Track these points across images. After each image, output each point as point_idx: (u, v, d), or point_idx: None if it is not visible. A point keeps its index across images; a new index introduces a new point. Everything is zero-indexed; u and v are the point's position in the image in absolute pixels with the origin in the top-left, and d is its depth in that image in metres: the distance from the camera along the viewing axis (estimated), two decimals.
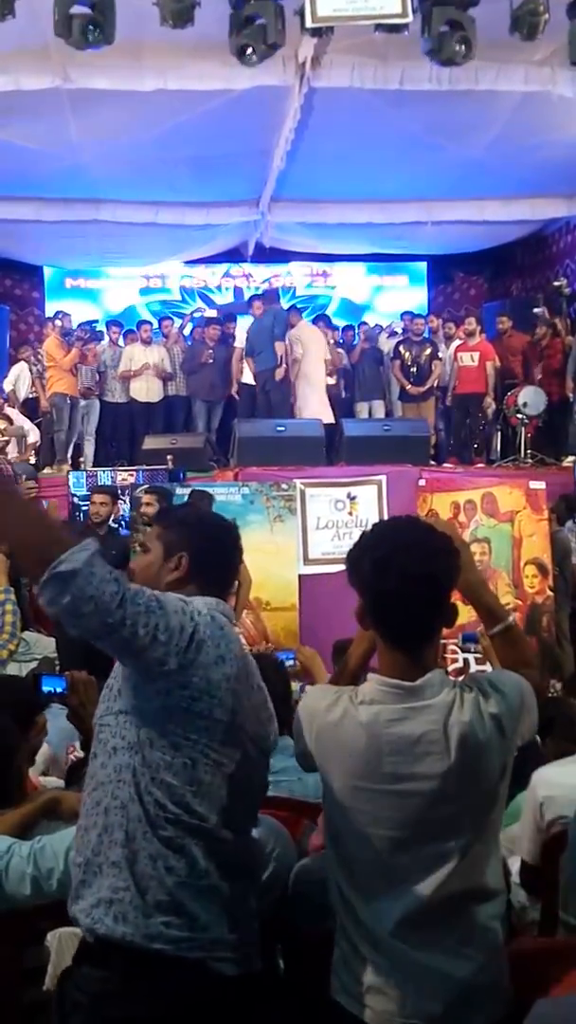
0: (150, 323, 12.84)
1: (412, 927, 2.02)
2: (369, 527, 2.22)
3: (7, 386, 11.83)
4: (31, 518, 2.04)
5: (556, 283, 12.36)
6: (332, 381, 12.25)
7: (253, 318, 11.71)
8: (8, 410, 10.43)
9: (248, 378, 11.77)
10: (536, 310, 12.47)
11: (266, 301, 12.10)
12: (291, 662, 4.64)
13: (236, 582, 2.55)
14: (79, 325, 12.48)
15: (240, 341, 12.08)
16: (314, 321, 12.71)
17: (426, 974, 2.01)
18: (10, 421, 9.48)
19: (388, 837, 2.04)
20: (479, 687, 2.09)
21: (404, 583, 2.03)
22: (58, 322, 11.84)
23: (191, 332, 13.13)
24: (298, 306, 13.15)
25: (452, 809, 2.03)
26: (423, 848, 2.03)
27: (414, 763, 2.02)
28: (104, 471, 9.52)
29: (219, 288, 15.34)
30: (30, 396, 11.67)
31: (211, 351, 12.05)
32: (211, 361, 11.99)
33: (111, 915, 1.97)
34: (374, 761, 2.03)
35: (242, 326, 12.17)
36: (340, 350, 12.58)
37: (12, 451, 9.68)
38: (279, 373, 11.24)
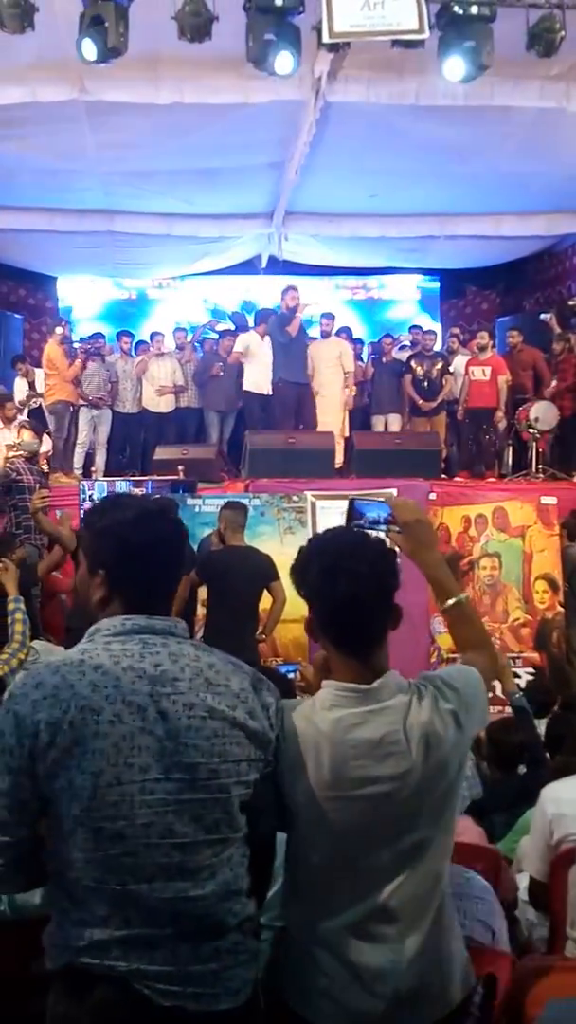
0: (162, 335, 12.87)
1: (368, 928, 2.05)
2: (306, 541, 2.27)
3: (17, 398, 11.90)
4: None
5: (572, 302, 12.40)
6: (352, 393, 12.25)
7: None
8: (23, 418, 10.46)
9: (250, 387, 11.77)
10: (543, 316, 12.50)
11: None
12: (292, 675, 4.63)
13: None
14: (90, 336, 12.53)
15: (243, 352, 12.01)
16: (337, 333, 12.68)
17: (375, 974, 2.03)
18: (35, 432, 9.47)
19: (355, 841, 2.06)
20: (433, 685, 2.13)
21: (353, 586, 2.08)
22: (59, 329, 11.83)
23: (202, 342, 13.15)
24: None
25: (414, 807, 2.06)
26: (385, 849, 2.06)
27: (379, 765, 2.04)
28: (122, 481, 9.55)
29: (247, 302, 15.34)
30: (33, 406, 11.69)
31: (221, 364, 12.06)
32: (221, 374, 12.00)
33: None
34: (340, 767, 2.05)
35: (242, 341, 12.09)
36: (360, 363, 12.60)
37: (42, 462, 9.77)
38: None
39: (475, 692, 2.18)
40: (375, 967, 2.03)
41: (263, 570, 7.23)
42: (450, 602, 2.31)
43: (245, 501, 8.41)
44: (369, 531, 2.30)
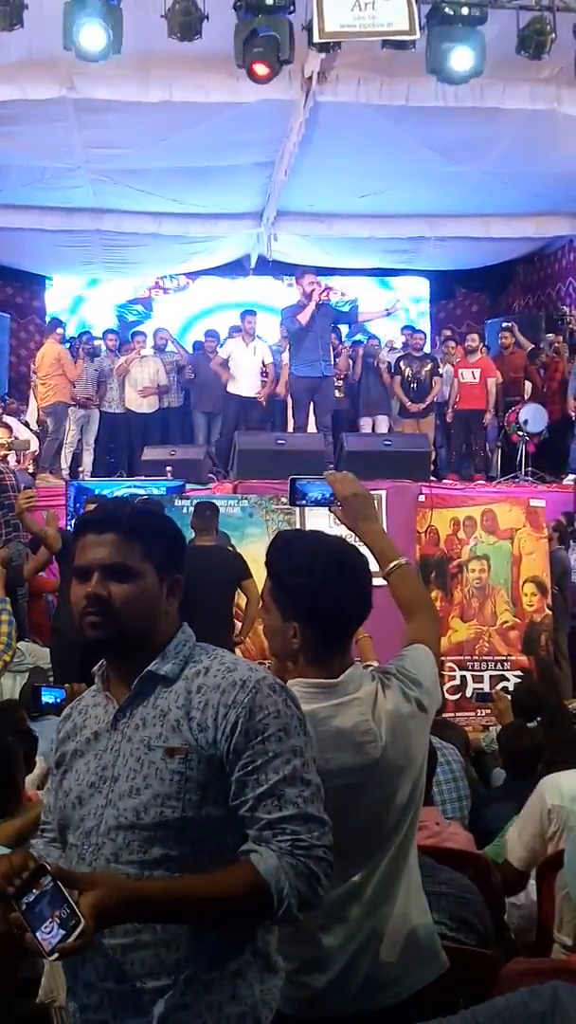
0: (143, 335, 12.79)
1: (339, 909, 2.07)
2: (277, 543, 2.26)
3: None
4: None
5: (563, 309, 12.49)
6: (339, 395, 12.20)
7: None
8: (7, 419, 10.40)
9: (234, 389, 11.70)
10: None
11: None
12: None
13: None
14: (82, 336, 12.49)
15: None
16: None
17: (334, 954, 2.07)
18: (10, 429, 9.45)
19: (335, 828, 2.04)
20: (395, 675, 2.21)
21: (358, 582, 2.15)
22: (60, 330, 11.79)
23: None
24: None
25: (388, 791, 2.13)
26: (363, 834, 2.10)
27: (354, 754, 2.08)
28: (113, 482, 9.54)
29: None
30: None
31: (191, 366, 12.02)
32: (193, 376, 11.95)
33: None
34: (319, 760, 2.02)
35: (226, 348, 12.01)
36: (349, 361, 12.56)
37: (11, 460, 9.66)
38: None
39: (431, 673, 2.27)
40: (335, 947, 2.07)
41: (233, 570, 6.92)
42: (391, 564, 2.42)
43: (233, 503, 8.39)
44: (313, 508, 2.52)
